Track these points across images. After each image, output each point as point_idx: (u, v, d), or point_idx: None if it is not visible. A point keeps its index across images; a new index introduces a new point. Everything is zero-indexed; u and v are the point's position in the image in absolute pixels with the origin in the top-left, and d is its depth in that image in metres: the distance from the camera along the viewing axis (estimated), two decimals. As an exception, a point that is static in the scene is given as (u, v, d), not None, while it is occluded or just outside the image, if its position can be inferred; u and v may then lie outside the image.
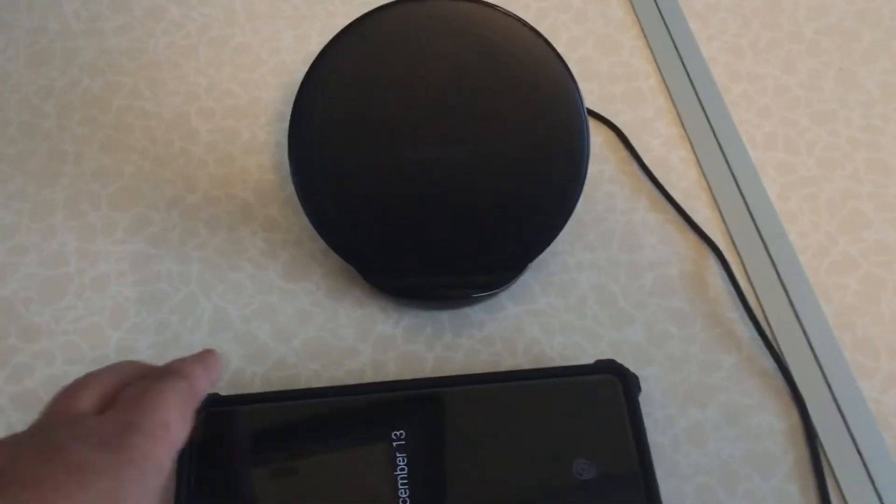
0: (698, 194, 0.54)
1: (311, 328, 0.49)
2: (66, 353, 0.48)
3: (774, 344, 0.49)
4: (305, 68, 0.60)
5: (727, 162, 0.55)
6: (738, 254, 0.52)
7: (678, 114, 0.57)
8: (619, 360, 0.45)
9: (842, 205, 0.54)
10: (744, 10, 0.63)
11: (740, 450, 0.45)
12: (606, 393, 0.42)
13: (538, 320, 0.50)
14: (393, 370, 0.48)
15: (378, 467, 0.40)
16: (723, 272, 0.51)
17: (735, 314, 0.50)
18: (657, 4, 0.63)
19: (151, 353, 0.48)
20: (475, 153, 0.48)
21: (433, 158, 0.48)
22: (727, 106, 0.58)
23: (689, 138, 0.56)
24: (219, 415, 0.41)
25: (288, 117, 0.48)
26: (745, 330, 0.49)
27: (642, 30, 0.62)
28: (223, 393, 0.44)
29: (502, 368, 0.48)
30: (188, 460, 0.40)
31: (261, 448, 0.41)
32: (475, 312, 0.50)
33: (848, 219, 0.53)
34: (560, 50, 0.58)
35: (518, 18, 0.49)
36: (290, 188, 0.48)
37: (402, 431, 0.41)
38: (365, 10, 0.49)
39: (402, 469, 0.40)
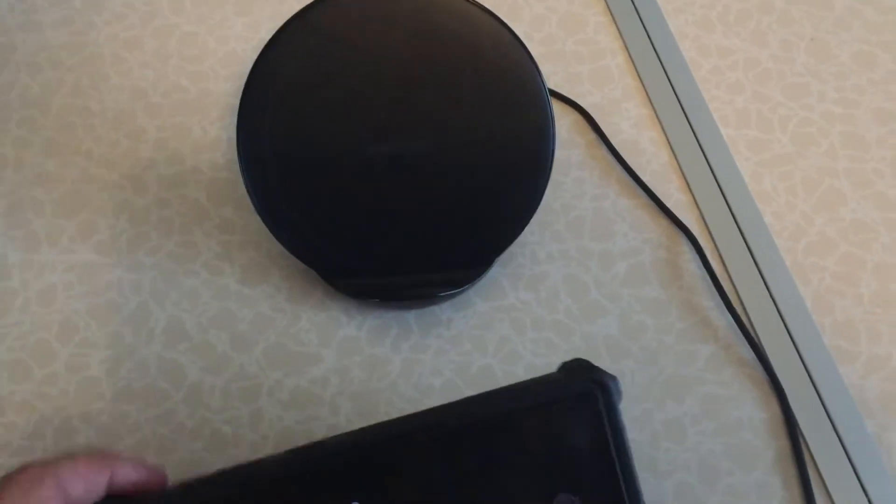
0: (670, 177, 0.52)
1: (271, 334, 0.47)
2: (13, 372, 0.46)
3: (752, 331, 0.47)
4: (254, 57, 0.57)
5: (698, 142, 0.53)
6: (713, 238, 0.50)
7: (647, 93, 0.55)
8: (594, 354, 0.44)
9: (818, 183, 0.52)
10: (712, -19, 0.60)
11: (720, 443, 0.44)
12: (584, 410, 0.35)
13: (508, 316, 0.48)
14: (358, 375, 0.46)
15: None
16: (697, 258, 0.49)
17: (711, 302, 0.48)
18: (622, -23, 0.60)
19: (104, 367, 0.46)
20: (434, 145, 0.45)
21: (391, 152, 0.45)
22: (697, 82, 0.56)
23: (658, 119, 0.54)
24: None
25: (236, 114, 0.46)
26: (722, 318, 0.47)
27: (607, 4, 0.59)
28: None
29: (472, 368, 0.46)
30: None
31: None
32: (443, 311, 0.48)
33: (824, 197, 0.51)
34: (522, 29, 0.56)
35: (473, 2, 0.46)
36: (243, 188, 0.46)
37: (356, 503, 0.34)
38: (313, -3, 0.46)
39: None
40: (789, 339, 0.47)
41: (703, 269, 0.49)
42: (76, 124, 0.54)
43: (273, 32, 0.58)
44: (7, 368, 0.46)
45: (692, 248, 0.49)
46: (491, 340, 0.47)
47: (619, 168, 0.52)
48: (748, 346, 0.46)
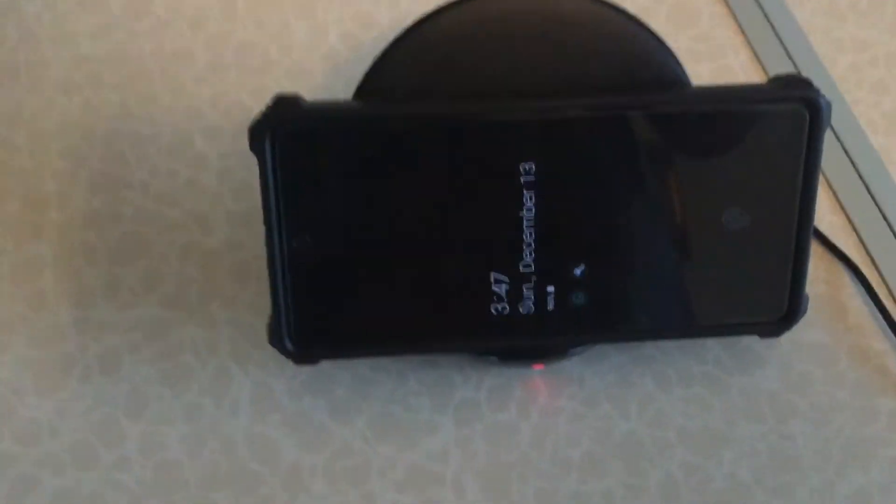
0: (819, 195, 0.45)
1: (375, 401, 0.40)
2: (78, 455, 0.39)
3: (938, 380, 0.40)
4: (325, 68, 0.50)
5: (847, 152, 0.46)
6: (878, 269, 0.43)
7: (782, 97, 0.48)
8: (756, 414, 0.37)
9: None
10: (837, -37, 0.53)
11: (916, 518, 0.38)
12: (787, 129, 0.33)
13: (650, 369, 0.41)
14: (482, 447, 0.39)
15: (500, 205, 0.33)
16: (863, 292, 0.42)
17: (885, 345, 0.41)
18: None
19: (181, 454, 0.39)
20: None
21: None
22: (835, 82, 0.49)
23: (797, 126, 0.47)
24: (301, 134, 0.33)
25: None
26: (901, 365, 0.41)
27: (721, -6, 0.52)
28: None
29: (615, 435, 0.39)
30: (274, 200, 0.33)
31: (357, 178, 0.34)
32: (572, 366, 0.41)
33: None
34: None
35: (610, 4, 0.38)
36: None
37: (531, 164, 0.32)
38: None
39: (530, 209, 0.33)
40: (983, 388, 0.40)
41: (872, 306, 0.42)
42: (126, 153, 0.47)
43: (343, 36, 0.51)
44: (71, 452, 0.39)
45: (856, 280, 0.43)
46: (633, 400, 0.40)
47: (757, 186, 0.45)
48: (937, 398, 0.40)
